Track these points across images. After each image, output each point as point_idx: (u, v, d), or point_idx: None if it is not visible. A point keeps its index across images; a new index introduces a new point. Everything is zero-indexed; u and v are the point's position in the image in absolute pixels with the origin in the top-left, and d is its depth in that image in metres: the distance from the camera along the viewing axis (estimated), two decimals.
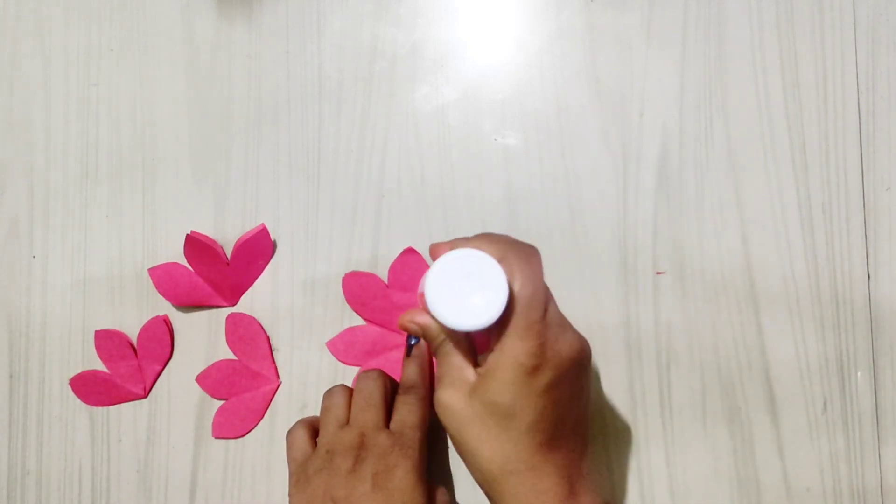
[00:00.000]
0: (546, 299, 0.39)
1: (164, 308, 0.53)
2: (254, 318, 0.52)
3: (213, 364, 0.51)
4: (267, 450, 0.51)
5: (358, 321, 0.51)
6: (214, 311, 0.52)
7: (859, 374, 0.49)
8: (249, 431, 0.51)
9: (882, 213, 0.50)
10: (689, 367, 0.50)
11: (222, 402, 0.52)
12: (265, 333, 0.52)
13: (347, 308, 0.51)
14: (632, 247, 0.51)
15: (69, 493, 0.52)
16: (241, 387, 0.52)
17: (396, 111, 0.53)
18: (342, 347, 0.51)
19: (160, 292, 0.52)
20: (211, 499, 0.51)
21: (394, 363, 0.51)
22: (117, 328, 0.53)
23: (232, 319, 0.52)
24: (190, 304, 0.52)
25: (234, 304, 0.52)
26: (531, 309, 0.38)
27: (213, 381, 0.51)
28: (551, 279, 0.51)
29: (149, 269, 0.52)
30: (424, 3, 0.54)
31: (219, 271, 0.51)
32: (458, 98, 0.53)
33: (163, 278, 0.52)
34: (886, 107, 0.51)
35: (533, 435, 0.38)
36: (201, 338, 0.52)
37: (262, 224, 0.51)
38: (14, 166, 0.55)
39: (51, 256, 0.54)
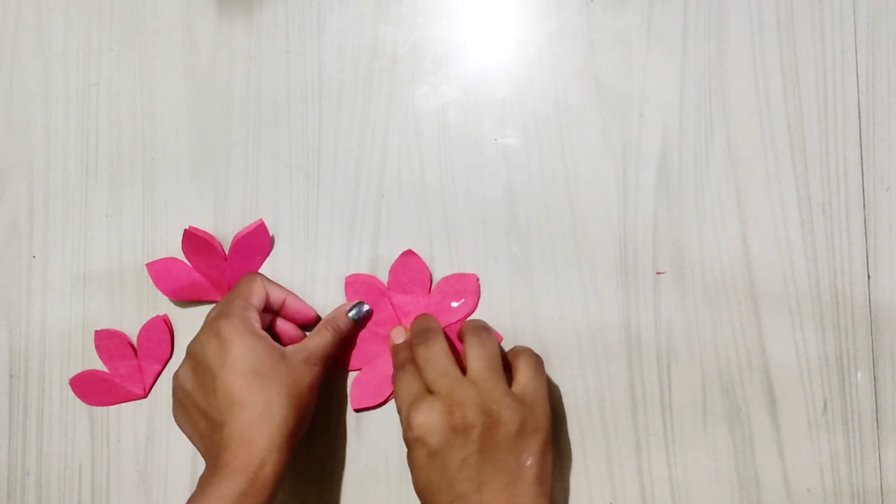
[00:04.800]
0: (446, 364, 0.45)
1: (164, 308, 0.53)
2: (374, 277, 0.51)
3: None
4: None
5: None
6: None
7: (859, 374, 0.49)
8: (389, 399, 0.50)
9: (882, 213, 0.50)
10: (689, 367, 0.50)
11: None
12: (388, 294, 0.51)
13: None
14: (632, 247, 0.51)
15: (69, 493, 0.52)
16: (373, 354, 0.51)
17: (396, 111, 0.53)
18: (340, 356, 0.51)
19: (158, 287, 0.52)
20: None
21: (391, 367, 0.50)
22: (117, 327, 0.53)
23: (351, 284, 0.51)
24: (188, 299, 0.52)
25: None
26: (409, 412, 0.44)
27: (343, 353, 0.50)
28: (551, 279, 0.51)
29: (147, 264, 0.52)
30: (424, 3, 0.54)
31: (216, 266, 0.51)
32: (458, 98, 0.53)
33: (161, 273, 0.52)
34: (886, 107, 0.51)
35: (439, 498, 0.42)
36: None
37: (260, 219, 0.51)
38: (14, 166, 0.55)
39: (51, 256, 0.54)
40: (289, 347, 0.46)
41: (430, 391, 0.44)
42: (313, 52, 0.54)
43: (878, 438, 0.49)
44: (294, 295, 0.50)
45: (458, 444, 0.42)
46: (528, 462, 0.43)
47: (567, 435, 0.50)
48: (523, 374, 0.46)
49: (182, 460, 0.52)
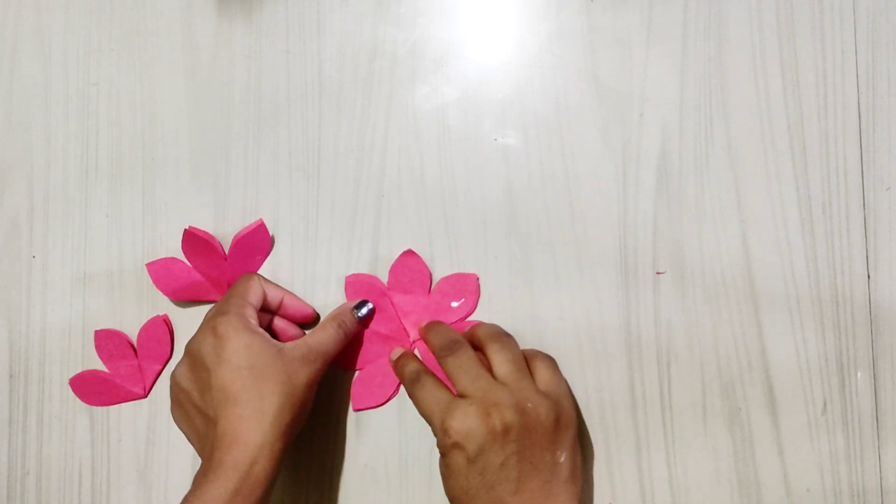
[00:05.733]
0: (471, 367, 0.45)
1: (164, 308, 0.53)
2: (374, 277, 0.51)
3: None
4: None
5: None
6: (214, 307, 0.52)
7: (859, 374, 0.49)
8: (389, 399, 0.51)
9: (882, 213, 0.50)
10: (689, 367, 0.50)
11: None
12: (388, 294, 0.51)
13: None
14: (632, 247, 0.51)
15: (69, 493, 0.52)
16: (374, 354, 0.51)
17: (396, 111, 0.53)
18: (341, 356, 0.51)
19: (158, 287, 0.52)
20: None
21: (391, 367, 0.50)
22: (117, 327, 0.53)
23: (352, 284, 0.51)
24: (188, 299, 0.52)
25: None
26: (439, 411, 0.45)
27: (343, 353, 0.50)
28: (551, 279, 0.51)
29: (147, 264, 0.52)
30: (424, 3, 0.54)
31: (216, 266, 0.51)
32: (458, 98, 0.53)
33: (161, 273, 0.52)
34: (886, 107, 0.51)
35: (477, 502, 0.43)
36: None
37: (260, 219, 0.51)
38: (14, 166, 0.55)
39: (51, 256, 0.54)
40: (288, 343, 0.46)
41: (460, 397, 0.44)
42: (313, 52, 0.54)
43: (878, 438, 0.49)
44: (292, 294, 0.50)
45: (498, 447, 0.42)
46: (563, 458, 0.43)
47: None
48: (544, 372, 0.46)
49: (182, 460, 0.52)
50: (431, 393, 0.45)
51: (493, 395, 0.43)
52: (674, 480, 0.49)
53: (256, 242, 0.52)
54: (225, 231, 0.53)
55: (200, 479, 0.42)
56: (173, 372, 0.46)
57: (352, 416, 0.51)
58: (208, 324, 0.45)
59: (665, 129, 0.51)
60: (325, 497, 0.51)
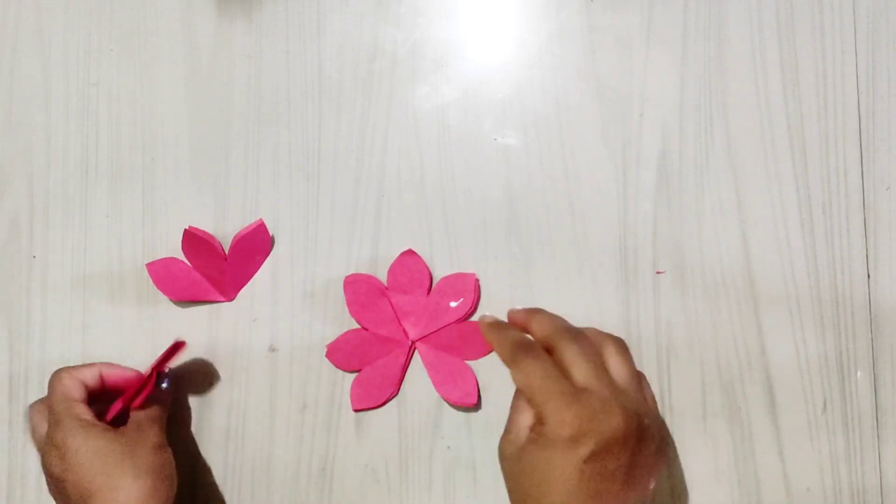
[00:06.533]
0: (603, 377, 0.40)
1: (164, 308, 0.53)
2: (373, 277, 0.51)
3: (341, 336, 0.51)
4: (267, 449, 0.51)
5: (356, 323, 0.51)
6: (214, 307, 0.52)
7: (859, 374, 0.49)
8: (389, 399, 0.51)
9: (882, 213, 0.50)
10: (689, 367, 0.50)
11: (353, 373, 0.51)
12: (387, 294, 0.51)
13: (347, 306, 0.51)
14: (632, 247, 0.51)
15: None
16: (373, 355, 0.51)
17: (396, 111, 0.53)
18: (341, 357, 0.51)
19: (158, 287, 0.51)
20: (211, 499, 0.51)
21: (391, 367, 0.50)
22: (117, 328, 0.53)
23: (350, 284, 0.51)
24: (188, 299, 0.52)
25: (231, 300, 0.52)
26: (550, 379, 0.39)
27: (343, 354, 0.50)
28: (551, 279, 0.51)
29: (147, 264, 0.52)
30: (424, 3, 0.54)
31: (216, 266, 0.51)
32: (458, 98, 0.53)
33: (161, 273, 0.52)
34: (886, 107, 0.51)
35: (572, 501, 0.38)
36: (201, 335, 0.52)
37: (260, 219, 0.51)
38: (14, 166, 0.55)
39: (51, 256, 0.54)
40: (121, 429, 0.46)
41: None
42: (313, 52, 0.54)
43: (878, 438, 0.49)
44: (106, 364, 0.49)
45: (615, 454, 0.38)
46: (652, 486, 0.40)
47: None
48: (646, 386, 0.43)
49: (182, 460, 0.52)
50: (548, 372, 0.39)
51: (619, 397, 0.39)
52: (674, 480, 0.49)
53: (256, 242, 0.52)
54: (225, 231, 0.53)
55: None
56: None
57: (352, 416, 0.51)
58: (49, 441, 0.45)
59: (665, 129, 0.51)
60: (326, 497, 0.51)
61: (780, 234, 0.50)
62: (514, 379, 0.41)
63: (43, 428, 0.46)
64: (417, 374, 0.51)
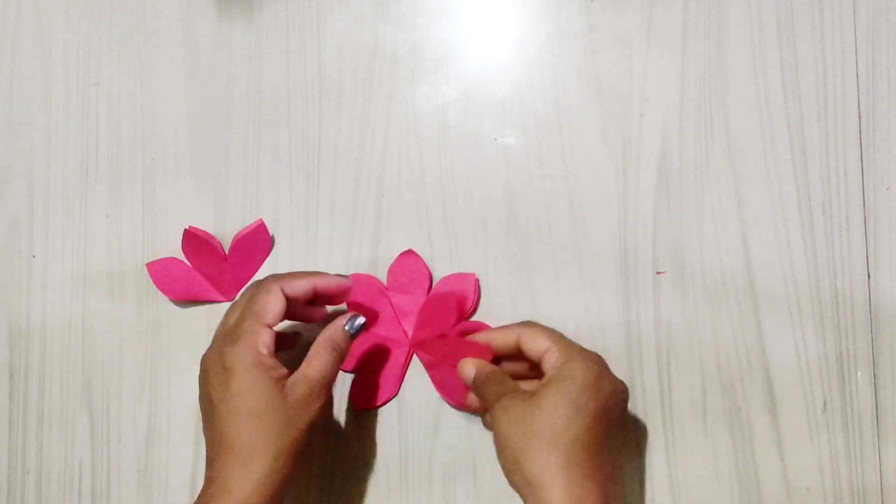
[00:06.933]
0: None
1: (164, 308, 0.53)
2: (373, 277, 0.51)
3: None
4: None
5: None
6: (214, 306, 0.52)
7: (859, 374, 0.49)
8: (389, 399, 0.50)
9: (882, 213, 0.50)
10: (689, 367, 0.50)
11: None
12: (387, 294, 0.51)
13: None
14: (632, 247, 0.51)
15: (69, 493, 0.52)
16: (373, 355, 0.51)
17: (396, 111, 0.53)
18: None
19: (158, 287, 0.51)
20: None
21: (391, 367, 0.50)
22: (117, 328, 0.53)
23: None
24: (188, 299, 0.52)
25: (231, 299, 0.52)
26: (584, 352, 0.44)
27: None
28: (551, 279, 0.51)
29: (147, 264, 0.52)
30: (424, 3, 0.54)
31: (216, 266, 0.51)
32: (458, 98, 0.53)
33: (161, 273, 0.52)
34: (886, 107, 0.51)
35: (590, 437, 0.41)
36: (202, 334, 0.52)
37: (260, 219, 0.51)
38: (14, 166, 0.55)
39: (51, 256, 0.54)
40: (290, 380, 0.43)
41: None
42: (313, 52, 0.54)
43: (878, 438, 0.49)
44: (321, 274, 0.46)
45: (619, 410, 0.44)
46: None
47: None
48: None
49: (182, 460, 0.52)
50: (565, 338, 0.45)
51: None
52: (673, 479, 0.49)
53: (256, 242, 0.52)
54: (225, 231, 0.53)
55: None
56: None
57: (352, 416, 0.51)
58: (219, 348, 0.43)
59: (665, 129, 0.51)
60: (325, 497, 0.51)
61: (780, 234, 0.50)
62: (531, 335, 0.44)
63: (230, 319, 0.45)
64: (417, 374, 0.51)
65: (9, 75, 0.55)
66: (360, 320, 0.46)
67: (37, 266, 0.54)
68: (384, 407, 0.51)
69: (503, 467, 0.42)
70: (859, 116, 0.51)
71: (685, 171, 0.51)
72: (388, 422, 0.51)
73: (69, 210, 0.54)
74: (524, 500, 0.41)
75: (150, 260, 0.52)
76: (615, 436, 0.44)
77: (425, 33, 0.53)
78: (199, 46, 0.54)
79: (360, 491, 0.50)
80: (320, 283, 0.46)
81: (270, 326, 0.44)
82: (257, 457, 0.41)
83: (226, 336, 0.44)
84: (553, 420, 0.41)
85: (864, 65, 0.51)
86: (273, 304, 0.44)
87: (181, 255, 0.52)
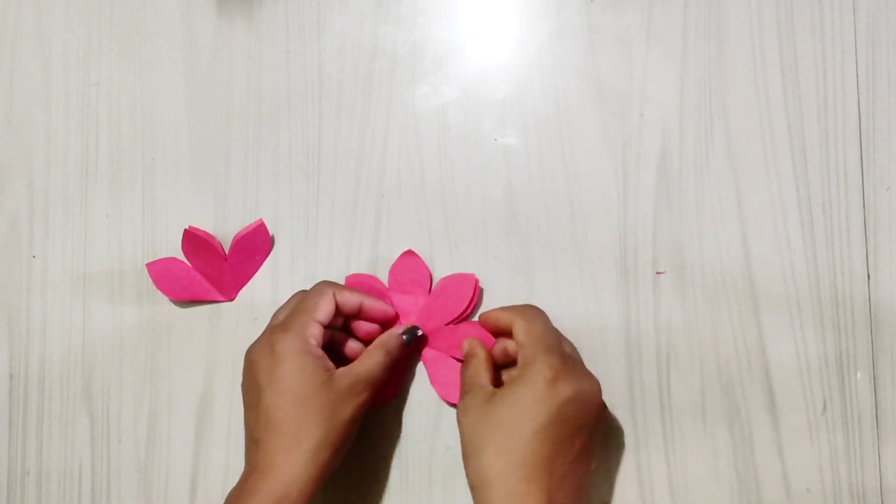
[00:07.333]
0: (559, 338, 0.46)
1: (165, 308, 0.53)
2: (373, 277, 0.51)
3: None
4: None
5: None
6: (214, 307, 0.52)
7: (859, 374, 0.49)
8: (390, 399, 0.50)
9: (882, 213, 0.50)
10: (689, 367, 0.50)
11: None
12: (388, 294, 0.51)
13: None
14: (632, 247, 0.51)
15: (69, 493, 0.52)
16: None
17: (396, 111, 0.53)
18: None
19: (158, 287, 0.52)
20: (211, 499, 0.51)
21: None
22: (117, 328, 0.53)
23: (351, 284, 0.51)
24: (188, 299, 0.52)
25: (231, 299, 0.52)
26: (550, 335, 0.44)
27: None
28: (551, 279, 0.51)
29: (147, 264, 0.52)
30: (424, 3, 0.54)
31: (216, 266, 0.51)
32: (458, 98, 0.53)
33: (161, 273, 0.52)
34: (886, 107, 0.51)
35: (538, 441, 0.41)
36: (202, 334, 0.52)
37: (260, 219, 0.51)
38: (14, 166, 0.55)
39: (51, 256, 0.54)
40: (338, 371, 0.45)
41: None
42: (313, 52, 0.54)
43: (878, 438, 0.49)
44: (371, 297, 0.48)
45: (585, 414, 0.43)
46: (593, 466, 0.44)
47: None
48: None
49: (182, 460, 0.52)
50: (547, 326, 0.46)
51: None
52: (673, 480, 0.49)
53: (256, 242, 0.52)
54: (225, 231, 0.53)
55: (232, 501, 0.42)
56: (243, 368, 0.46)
57: None
58: (269, 336, 0.45)
59: (665, 129, 0.51)
60: (325, 497, 0.51)
61: (780, 234, 0.50)
62: (518, 326, 0.45)
63: (280, 316, 0.46)
64: (417, 374, 0.51)
65: (9, 75, 0.55)
66: (418, 332, 0.49)
67: (37, 266, 0.54)
68: (384, 407, 0.51)
69: (463, 463, 0.43)
70: (859, 116, 0.51)
71: (685, 171, 0.51)
72: (388, 421, 0.51)
73: (69, 210, 0.54)
74: (473, 500, 0.42)
75: (150, 260, 0.52)
76: (578, 438, 0.42)
77: (425, 33, 0.53)
78: (199, 46, 0.54)
79: (361, 491, 0.50)
80: (368, 303, 0.48)
81: (321, 323, 0.45)
82: (305, 437, 0.42)
83: (276, 328, 0.45)
84: (504, 423, 0.41)
85: (864, 65, 0.51)
86: (325, 303, 0.46)
87: (181, 255, 0.52)
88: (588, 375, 0.44)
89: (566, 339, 0.47)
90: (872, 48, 0.51)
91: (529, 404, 0.41)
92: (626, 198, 0.51)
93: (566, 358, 0.43)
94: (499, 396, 0.43)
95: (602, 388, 0.50)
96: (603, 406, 0.44)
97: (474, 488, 0.42)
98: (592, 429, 0.43)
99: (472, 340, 0.48)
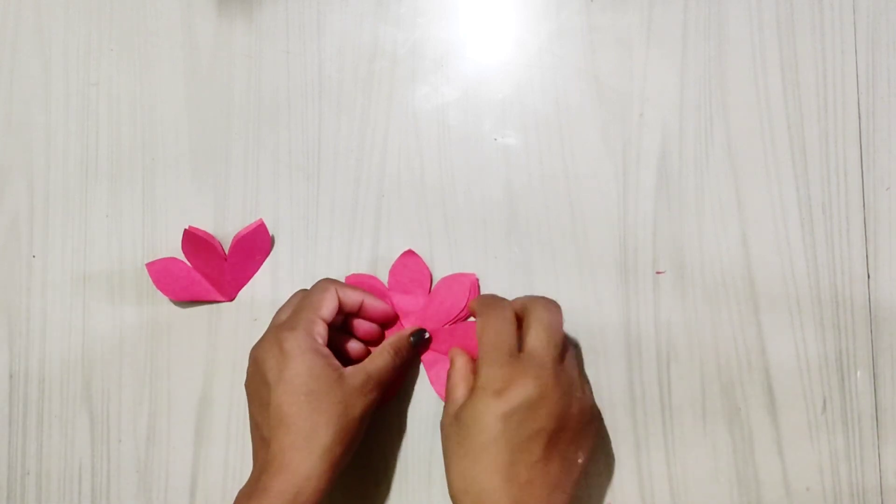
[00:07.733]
0: (562, 345, 0.43)
1: (165, 308, 0.53)
2: (373, 277, 0.51)
3: None
4: None
5: None
6: (214, 307, 0.52)
7: (859, 373, 0.49)
8: (389, 400, 0.50)
9: (882, 213, 0.50)
10: (689, 367, 0.50)
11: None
12: (388, 294, 0.51)
13: None
14: (632, 247, 0.51)
15: (69, 493, 0.52)
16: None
17: (396, 111, 0.53)
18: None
19: (158, 287, 0.52)
20: (211, 499, 0.51)
21: None
22: (117, 328, 0.53)
23: (351, 283, 0.51)
24: (188, 299, 0.52)
25: (231, 299, 0.52)
26: (503, 341, 0.43)
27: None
28: (551, 279, 0.51)
29: (147, 264, 0.52)
30: (424, 3, 0.54)
31: (216, 266, 0.51)
32: (458, 98, 0.53)
33: (161, 273, 0.52)
34: (886, 107, 0.51)
35: (494, 452, 0.41)
36: (202, 334, 0.52)
37: (260, 219, 0.51)
38: (14, 166, 0.55)
39: (51, 256, 0.54)
40: (348, 369, 0.45)
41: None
42: (313, 52, 0.54)
43: (878, 438, 0.49)
44: (371, 295, 0.49)
45: (537, 417, 0.42)
46: (581, 460, 0.44)
47: None
48: (570, 355, 0.45)
49: (182, 460, 0.52)
50: (501, 328, 0.43)
51: (557, 369, 0.42)
52: (673, 479, 0.49)
53: (256, 242, 0.52)
54: (225, 231, 0.53)
55: (244, 501, 0.42)
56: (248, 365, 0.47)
57: None
58: (275, 335, 0.44)
59: (665, 129, 0.51)
60: (325, 497, 0.51)
61: (780, 234, 0.50)
62: (476, 330, 0.44)
63: (283, 314, 0.46)
64: (418, 375, 0.51)
65: (9, 75, 0.55)
66: (425, 335, 0.49)
67: (37, 266, 0.54)
68: (384, 407, 0.51)
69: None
70: (859, 116, 0.51)
71: (685, 171, 0.51)
72: (389, 421, 0.51)
73: (69, 210, 0.54)
74: None
75: (150, 260, 0.52)
76: (536, 441, 0.41)
77: (425, 33, 0.53)
78: (199, 46, 0.54)
79: (360, 491, 0.50)
80: (369, 301, 0.48)
81: (325, 321, 0.45)
82: (318, 435, 0.42)
83: (282, 326, 0.45)
84: (463, 438, 0.42)
85: (864, 65, 0.51)
86: (329, 300, 0.46)
87: (181, 255, 0.52)
88: (543, 376, 0.41)
89: (566, 343, 0.45)
90: (872, 48, 0.51)
91: (479, 422, 0.41)
92: (626, 198, 0.51)
93: (513, 362, 0.42)
94: (462, 411, 0.42)
95: (602, 388, 0.51)
96: (566, 405, 0.42)
97: (452, 500, 0.42)
98: (553, 429, 0.41)
99: (454, 350, 0.47)
